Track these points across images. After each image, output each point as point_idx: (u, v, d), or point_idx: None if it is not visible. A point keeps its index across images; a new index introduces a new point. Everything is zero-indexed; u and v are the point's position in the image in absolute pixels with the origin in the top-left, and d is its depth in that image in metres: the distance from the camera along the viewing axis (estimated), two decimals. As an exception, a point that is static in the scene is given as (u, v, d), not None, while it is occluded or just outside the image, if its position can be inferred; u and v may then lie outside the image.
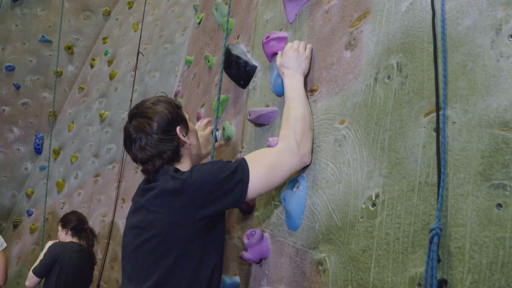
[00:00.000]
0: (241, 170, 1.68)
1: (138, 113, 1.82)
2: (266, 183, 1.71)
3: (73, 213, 4.67)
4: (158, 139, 1.77)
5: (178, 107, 1.89)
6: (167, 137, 1.78)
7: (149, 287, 1.64)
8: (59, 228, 4.39)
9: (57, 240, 4.39)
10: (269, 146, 1.96)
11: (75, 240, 4.35)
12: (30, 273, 4.09)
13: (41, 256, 4.19)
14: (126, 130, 1.83)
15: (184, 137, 1.83)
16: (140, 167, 1.86)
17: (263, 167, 1.71)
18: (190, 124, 1.92)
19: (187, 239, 1.66)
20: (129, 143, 1.82)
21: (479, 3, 1.27)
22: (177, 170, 1.76)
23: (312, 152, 1.79)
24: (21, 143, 7.41)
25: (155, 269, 1.66)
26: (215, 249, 1.75)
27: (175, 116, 1.83)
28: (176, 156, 1.82)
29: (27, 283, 4.13)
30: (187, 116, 1.93)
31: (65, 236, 4.33)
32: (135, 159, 1.84)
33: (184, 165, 1.83)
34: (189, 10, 5.68)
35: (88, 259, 4.37)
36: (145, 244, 1.68)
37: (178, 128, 1.81)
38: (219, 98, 2.43)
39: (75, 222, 4.41)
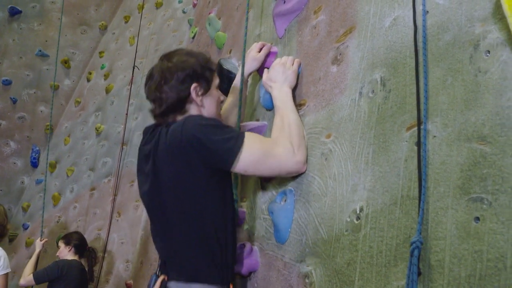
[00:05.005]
0: (237, 134, 1.72)
1: (167, 56, 1.92)
2: (255, 163, 1.70)
3: (76, 232, 4.89)
4: (169, 85, 1.83)
5: (209, 69, 1.93)
6: (178, 87, 1.83)
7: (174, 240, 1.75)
8: (62, 245, 4.56)
9: (57, 256, 4.55)
10: None
11: (76, 258, 4.55)
12: (30, 276, 4.33)
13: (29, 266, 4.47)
14: (152, 67, 1.94)
15: (198, 96, 1.86)
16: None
17: (259, 147, 1.71)
18: (214, 91, 1.94)
19: (197, 193, 1.72)
20: (147, 79, 1.93)
21: (459, 19, 1.30)
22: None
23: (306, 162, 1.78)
24: (17, 157, 7.41)
25: (176, 221, 1.73)
26: (225, 217, 1.78)
27: (199, 74, 1.87)
28: (179, 108, 1.85)
29: (21, 281, 4.39)
30: (216, 82, 1.96)
31: (67, 253, 4.52)
32: (146, 96, 1.93)
33: None
34: (184, 25, 5.72)
35: (87, 278, 4.55)
36: (160, 195, 1.75)
37: (194, 85, 1.85)
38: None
39: (78, 241, 4.62)
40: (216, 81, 1.97)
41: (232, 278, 1.82)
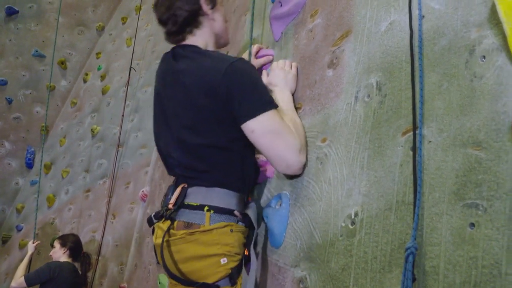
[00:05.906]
0: (271, 98, 1.74)
1: None
2: (267, 132, 1.69)
3: (73, 235, 4.83)
4: (180, 0, 1.87)
5: None
6: (189, 0, 1.88)
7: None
8: (57, 246, 4.49)
9: (50, 256, 4.50)
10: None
11: (70, 261, 4.48)
12: (21, 279, 4.28)
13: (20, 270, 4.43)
14: None
15: (209, 9, 1.91)
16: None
17: (280, 123, 1.70)
18: (221, 7, 2.00)
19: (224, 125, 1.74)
20: (155, 2, 1.96)
21: (454, 24, 1.30)
22: (202, 52, 1.84)
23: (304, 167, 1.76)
24: (12, 158, 7.37)
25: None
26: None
27: None
28: (193, 21, 1.89)
29: (13, 283, 4.34)
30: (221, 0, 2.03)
31: (61, 255, 4.45)
32: (158, 19, 1.95)
33: (202, 38, 1.91)
34: (181, 26, 5.70)
35: (79, 280, 4.48)
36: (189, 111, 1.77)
37: None
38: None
39: (74, 244, 4.57)
40: None
41: (251, 192, 1.94)
